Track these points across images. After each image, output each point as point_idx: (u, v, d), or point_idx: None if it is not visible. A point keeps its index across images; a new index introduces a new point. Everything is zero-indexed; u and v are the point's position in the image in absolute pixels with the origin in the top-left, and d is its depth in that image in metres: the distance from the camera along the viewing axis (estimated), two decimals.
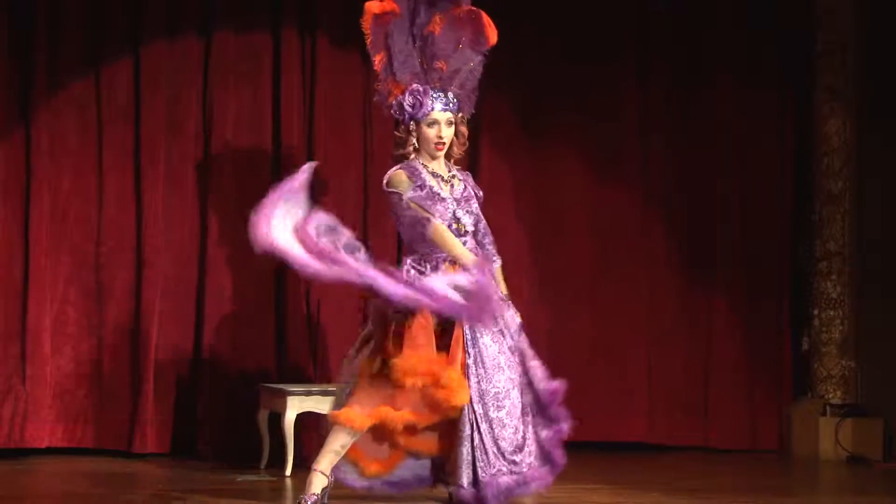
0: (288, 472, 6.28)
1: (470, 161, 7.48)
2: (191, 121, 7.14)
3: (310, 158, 7.20)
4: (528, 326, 7.49)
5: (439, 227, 5.46)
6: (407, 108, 5.52)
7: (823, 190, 7.60)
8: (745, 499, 5.83)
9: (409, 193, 5.48)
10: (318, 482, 5.35)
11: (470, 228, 5.57)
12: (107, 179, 7.04)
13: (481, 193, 5.71)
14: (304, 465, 6.34)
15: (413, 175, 5.50)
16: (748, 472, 6.85)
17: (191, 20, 7.16)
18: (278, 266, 7.14)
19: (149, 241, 7.01)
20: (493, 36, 5.61)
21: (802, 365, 7.70)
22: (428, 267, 5.46)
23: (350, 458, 5.46)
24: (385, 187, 5.54)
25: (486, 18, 5.60)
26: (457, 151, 5.64)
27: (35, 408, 6.84)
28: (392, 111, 5.60)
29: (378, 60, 5.59)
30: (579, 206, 7.60)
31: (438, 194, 5.50)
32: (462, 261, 5.42)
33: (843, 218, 7.56)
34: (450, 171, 5.62)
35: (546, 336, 7.53)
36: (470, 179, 5.71)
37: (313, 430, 6.61)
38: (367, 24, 5.56)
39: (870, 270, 7.52)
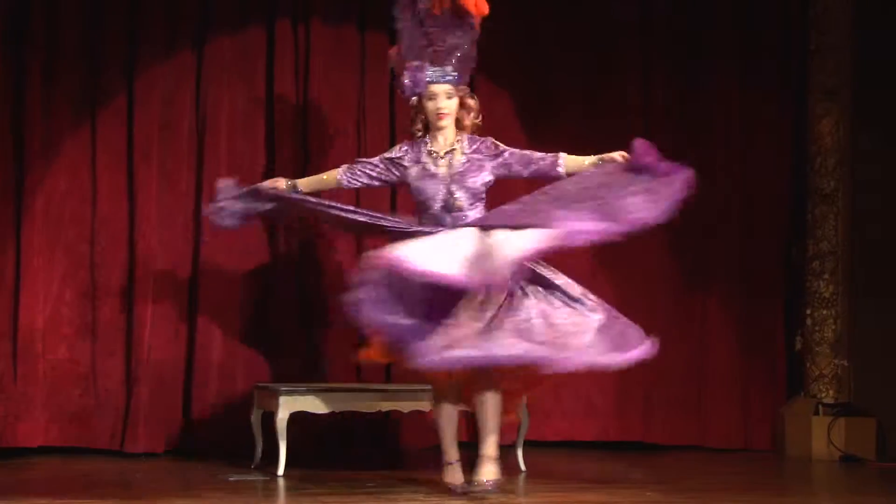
0: (280, 471, 6.26)
1: None
2: (185, 119, 7.14)
3: (304, 157, 7.23)
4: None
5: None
6: (407, 85, 5.76)
7: (816, 190, 7.60)
8: (740, 498, 5.83)
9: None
10: None
11: (465, 203, 5.72)
12: (100, 179, 7.04)
13: (502, 148, 5.85)
14: (297, 464, 6.35)
15: (406, 152, 5.83)
16: (742, 472, 6.85)
17: (186, 20, 7.16)
18: (270, 265, 7.18)
19: (142, 240, 7.01)
20: (483, 8, 5.83)
21: (795, 364, 7.71)
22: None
23: None
24: None
25: None
26: (468, 124, 5.84)
27: (28, 407, 6.84)
28: (401, 91, 5.85)
29: (395, 49, 5.93)
30: None
31: (428, 171, 5.74)
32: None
33: (835, 217, 7.56)
34: (451, 146, 5.80)
35: None
36: (483, 144, 5.83)
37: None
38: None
39: (862, 270, 7.53)
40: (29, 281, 6.90)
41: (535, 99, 7.61)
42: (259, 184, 6.04)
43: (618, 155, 5.78)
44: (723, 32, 7.76)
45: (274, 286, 7.18)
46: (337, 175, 5.94)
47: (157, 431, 6.96)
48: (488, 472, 5.58)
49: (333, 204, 5.94)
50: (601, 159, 5.82)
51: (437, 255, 5.31)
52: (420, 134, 5.86)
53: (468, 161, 5.78)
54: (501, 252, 5.33)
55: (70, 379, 6.95)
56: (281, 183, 5.95)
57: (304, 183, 5.99)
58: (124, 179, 7.06)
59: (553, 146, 7.50)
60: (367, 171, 5.90)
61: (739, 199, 7.72)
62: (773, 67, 7.78)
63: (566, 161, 5.88)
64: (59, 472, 6.44)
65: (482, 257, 5.32)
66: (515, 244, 5.36)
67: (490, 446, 5.60)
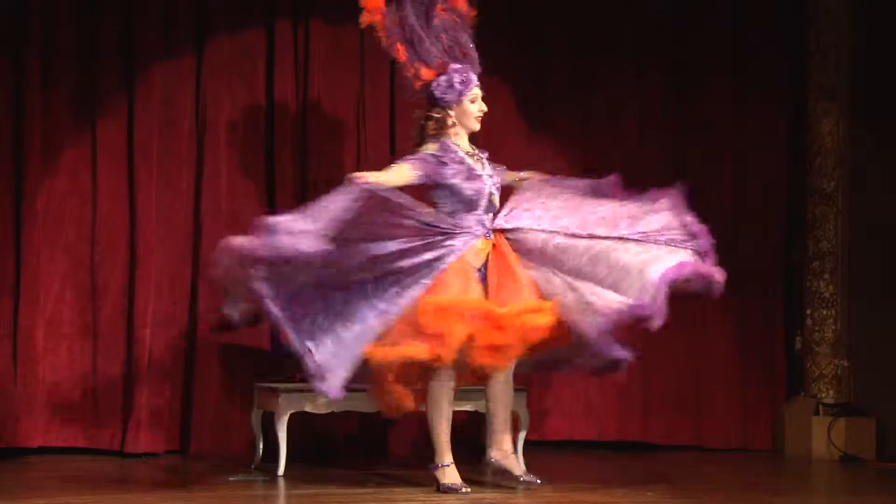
0: (281, 471, 6.27)
1: None
2: (185, 119, 7.14)
3: (303, 157, 7.22)
4: None
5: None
6: (457, 85, 5.78)
7: (816, 189, 7.60)
8: (739, 498, 5.83)
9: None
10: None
11: (497, 203, 5.85)
12: (100, 179, 7.05)
13: (486, 154, 5.98)
14: (297, 464, 6.36)
15: (446, 151, 5.75)
16: (741, 472, 6.85)
17: (185, 19, 7.16)
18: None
19: (142, 239, 7.01)
20: (470, 13, 5.96)
21: (795, 364, 7.71)
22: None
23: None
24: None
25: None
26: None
27: (28, 407, 6.84)
28: (437, 91, 5.80)
29: (401, 50, 5.87)
30: None
31: (474, 171, 5.77)
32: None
33: (835, 217, 7.56)
34: (475, 148, 5.90)
35: None
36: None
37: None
38: (379, 20, 5.88)
39: (862, 270, 7.53)
40: (29, 281, 6.90)
41: (532, 99, 7.59)
42: (346, 179, 5.43)
43: (532, 173, 6.05)
44: (722, 32, 7.76)
45: None
46: (413, 171, 5.68)
47: (157, 431, 6.96)
48: (520, 465, 5.75)
49: (409, 203, 5.66)
50: (520, 178, 6.04)
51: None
52: (434, 134, 5.84)
53: (491, 166, 5.90)
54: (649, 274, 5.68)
55: (70, 379, 6.95)
56: (374, 177, 5.50)
57: (385, 178, 5.58)
58: (124, 180, 7.06)
59: (551, 146, 7.57)
60: (426, 169, 5.71)
61: (739, 199, 7.71)
62: (773, 67, 7.77)
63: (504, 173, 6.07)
64: (59, 472, 6.44)
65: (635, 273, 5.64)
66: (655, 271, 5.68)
67: (510, 440, 5.80)
